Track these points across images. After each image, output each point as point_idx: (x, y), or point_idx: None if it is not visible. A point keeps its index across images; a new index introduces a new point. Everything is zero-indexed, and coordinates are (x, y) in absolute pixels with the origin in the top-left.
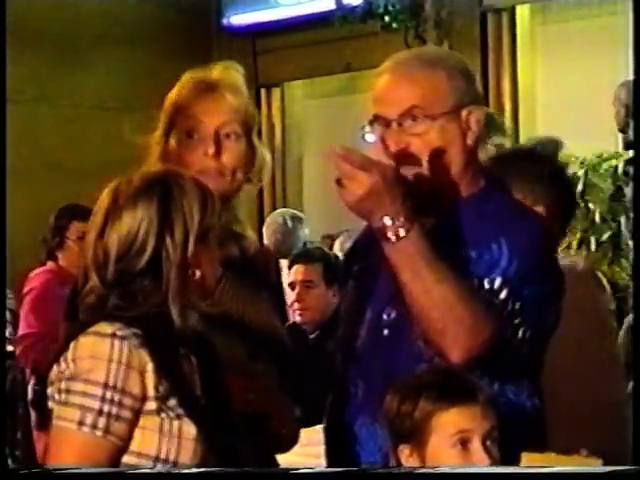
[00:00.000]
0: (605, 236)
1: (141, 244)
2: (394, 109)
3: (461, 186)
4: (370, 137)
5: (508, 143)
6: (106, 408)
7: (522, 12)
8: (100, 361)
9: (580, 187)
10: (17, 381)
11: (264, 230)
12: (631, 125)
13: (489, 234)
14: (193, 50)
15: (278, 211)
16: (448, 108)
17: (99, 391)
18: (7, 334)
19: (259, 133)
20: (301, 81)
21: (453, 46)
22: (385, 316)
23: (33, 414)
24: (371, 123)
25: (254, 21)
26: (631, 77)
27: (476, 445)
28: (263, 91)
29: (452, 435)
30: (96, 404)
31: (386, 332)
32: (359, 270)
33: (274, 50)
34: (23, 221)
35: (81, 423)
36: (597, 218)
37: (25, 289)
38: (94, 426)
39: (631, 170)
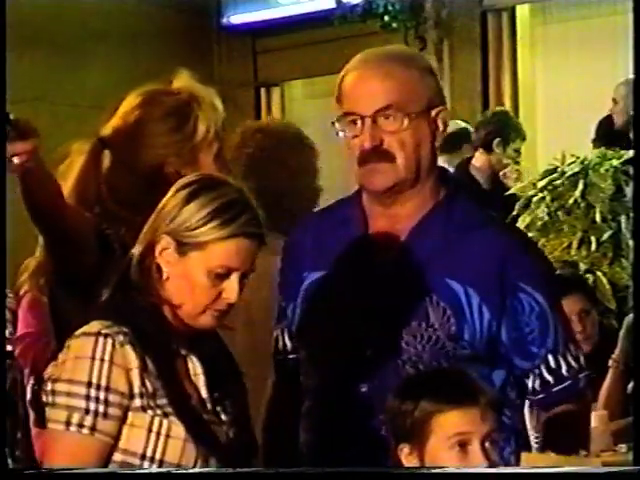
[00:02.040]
0: (605, 236)
1: None
2: (368, 105)
3: (427, 192)
4: (342, 134)
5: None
6: (92, 406)
7: (522, 12)
8: (83, 360)
9: (580, 187)
10: (17, 381)
11: None
12: (631, 124)
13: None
14: (193, 50)
15: None
16: (422, 107)
17: (83, 390)
18: (7, 334)
19: None
20: (301, 81)
21: (453, 46)
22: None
23: (32, 414)
24: (339, 120)
25: (254, 21)
26: (631, 76)
27: (475, 447)
28: (263, 91)
29: (451, 437)
30: (82, 403)
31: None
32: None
33: (274, 50)
34: (23, 221)
35: (68, 423)
36: (597, 218)
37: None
38: (80, 425)
39: (631, 170)
